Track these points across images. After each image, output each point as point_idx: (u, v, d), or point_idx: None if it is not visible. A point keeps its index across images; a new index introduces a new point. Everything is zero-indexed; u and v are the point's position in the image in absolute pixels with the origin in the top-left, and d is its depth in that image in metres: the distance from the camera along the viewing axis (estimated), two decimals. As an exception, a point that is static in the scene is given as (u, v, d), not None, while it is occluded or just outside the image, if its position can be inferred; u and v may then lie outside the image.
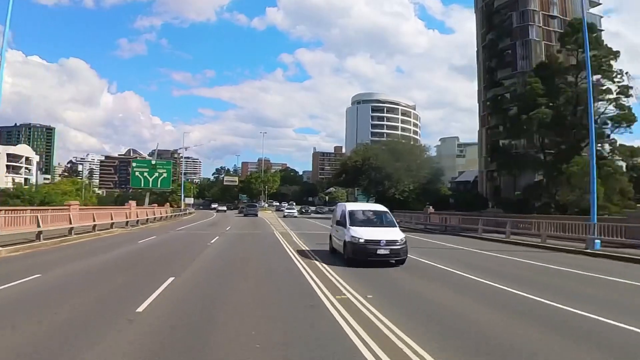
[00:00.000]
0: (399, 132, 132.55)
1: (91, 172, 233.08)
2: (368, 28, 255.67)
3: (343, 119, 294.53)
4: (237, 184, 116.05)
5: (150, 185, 56.10)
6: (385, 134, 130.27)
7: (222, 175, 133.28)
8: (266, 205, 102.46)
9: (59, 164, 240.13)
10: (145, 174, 55.36)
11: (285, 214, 62.00)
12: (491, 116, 61.04)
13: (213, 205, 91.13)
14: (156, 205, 54.21)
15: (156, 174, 55.65)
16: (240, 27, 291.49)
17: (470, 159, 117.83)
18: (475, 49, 67.40)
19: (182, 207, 62.83)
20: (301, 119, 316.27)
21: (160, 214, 39.67)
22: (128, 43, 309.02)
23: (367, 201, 61.76)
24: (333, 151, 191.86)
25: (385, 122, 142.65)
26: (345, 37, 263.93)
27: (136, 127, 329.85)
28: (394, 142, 74.63)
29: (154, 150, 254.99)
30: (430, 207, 37.92)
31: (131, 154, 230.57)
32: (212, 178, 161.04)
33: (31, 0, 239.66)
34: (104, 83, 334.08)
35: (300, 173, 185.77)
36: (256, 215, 58.52)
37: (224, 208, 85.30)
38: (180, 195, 75.91)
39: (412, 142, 76.09)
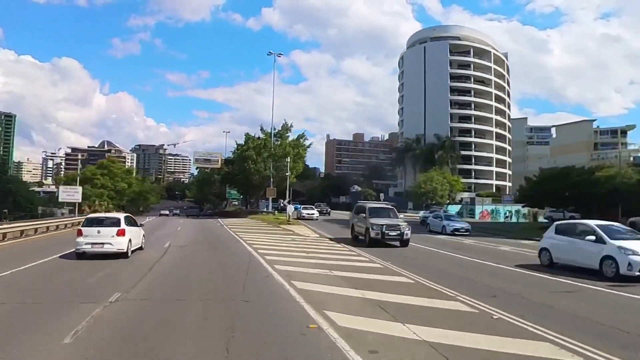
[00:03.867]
0: (492, 90, 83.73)
1: (58, 166, 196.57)
2: (366, 29, 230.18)
3: (339, 122, 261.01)
4: (218, 167, 63.45)
5: None
6: (472, 91, 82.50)
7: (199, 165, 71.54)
8: (288, 206, 40.49)
9: (27, 159, 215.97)
10: None
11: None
12: None
13: (162, 211, 65.96)
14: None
15: None
16: (235, 27, 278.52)
17: (564, 145, 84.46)
18: None
19: None
20: (297, 121, 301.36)
21: None
22: (121, 42, 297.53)
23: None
24: (352, 139, 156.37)
25: (472, 72, 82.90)
26: (343, 37, 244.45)
27: (130, 128, 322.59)
28: None
29: (137, 145, 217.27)
30: None
31: (105, 146, 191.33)
32: (195, 172, 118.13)
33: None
34: (97, 83, 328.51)
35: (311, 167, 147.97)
36: (197, 216, 51.70)
37: (167, 212, 67.12)
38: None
39: None
